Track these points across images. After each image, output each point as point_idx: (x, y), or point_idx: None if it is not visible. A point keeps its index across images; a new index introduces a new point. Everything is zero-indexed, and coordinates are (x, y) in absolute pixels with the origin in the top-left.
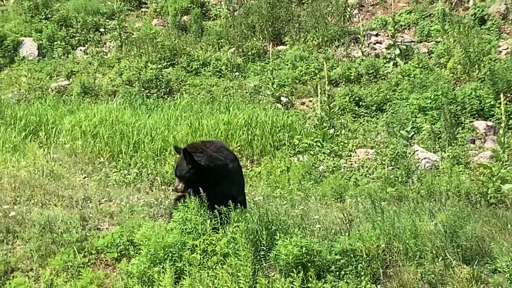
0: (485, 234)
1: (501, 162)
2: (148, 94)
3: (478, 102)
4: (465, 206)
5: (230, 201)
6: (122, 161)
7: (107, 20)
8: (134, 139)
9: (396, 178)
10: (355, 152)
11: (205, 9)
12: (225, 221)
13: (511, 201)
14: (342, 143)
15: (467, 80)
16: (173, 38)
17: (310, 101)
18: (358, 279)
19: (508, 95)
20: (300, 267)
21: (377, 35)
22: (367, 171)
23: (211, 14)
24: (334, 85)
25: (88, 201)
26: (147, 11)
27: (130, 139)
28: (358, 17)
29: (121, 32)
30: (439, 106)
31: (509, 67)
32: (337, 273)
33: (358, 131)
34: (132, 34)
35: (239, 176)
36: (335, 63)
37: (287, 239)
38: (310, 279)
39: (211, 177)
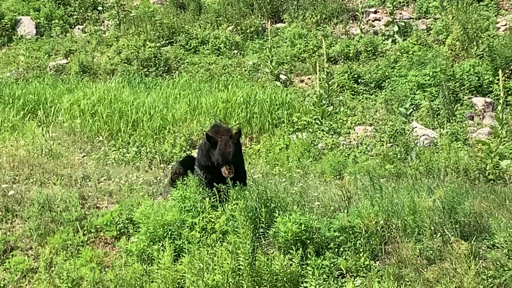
0: (483, 210)
1: (499, 138)
2: (147, 72)
3: (477, 78)
4: (463, 182)
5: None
6: (121, 139)
7: None
8: (133, 118)
9: (395, 155)
10: (354, 129)
11: None
12: (224, 199)
13: (509, 177)
14: (341, 121)
15: (466, 57)
16: (171, 16)
17: (309, 78)
18: (357, 255)
19: (507, 71)
20: (299, 244)
21: (375, 12)
22: (366, 148)
23: None
24: (333, 62)
25: (87, 180)
26: None
27: (129, 118)
28: None
29: (119, 11)
30: (437, 83)
31: (508, 43)
32: (336, 249)
33: (357, 108)
34: (130, 12)
35: None
36: (334, 41)
37: (286, 216)
38: (309, 256)
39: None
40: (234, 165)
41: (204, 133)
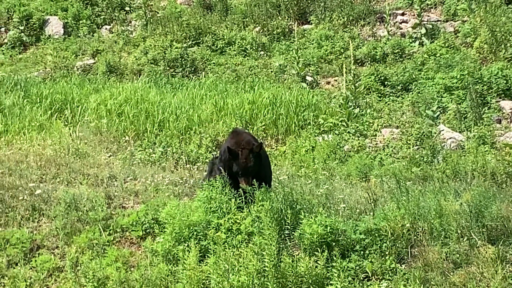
0: (510, 214)
1: None
2: (173, 73)
3: (505, 81)
4: (490, 186)
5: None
6: (147, 139)
7: None
8: (159, 118)
9: (421, 158)
10: (380, 132)
11: None
12: (250, 200)
13: None
14: (367, 123)
15: (494, 60)
16: (198, 17)
17: (336, 80)
18: (383, 258)
19: None
20: (324, 246)
21: (403, 14)
22: (392, 150)
23: None
24: (360, 64)
25: (113, 180)
26: None
27: (155, 118)
28: None
29: (146, 11)
30: (465, 85)
31: None
32: (362, 252)
33: (383, 110)
34: (157, 12)
35: None
36: (361, 43)
37: (311, 218)
38: (334, 258)
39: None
40: (254, 176)
41: (226, 146)
